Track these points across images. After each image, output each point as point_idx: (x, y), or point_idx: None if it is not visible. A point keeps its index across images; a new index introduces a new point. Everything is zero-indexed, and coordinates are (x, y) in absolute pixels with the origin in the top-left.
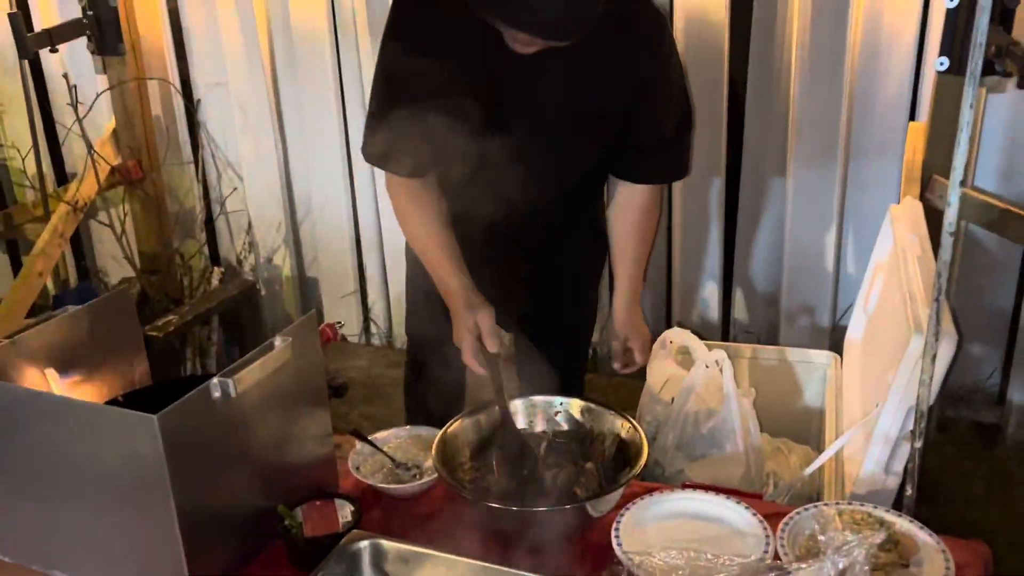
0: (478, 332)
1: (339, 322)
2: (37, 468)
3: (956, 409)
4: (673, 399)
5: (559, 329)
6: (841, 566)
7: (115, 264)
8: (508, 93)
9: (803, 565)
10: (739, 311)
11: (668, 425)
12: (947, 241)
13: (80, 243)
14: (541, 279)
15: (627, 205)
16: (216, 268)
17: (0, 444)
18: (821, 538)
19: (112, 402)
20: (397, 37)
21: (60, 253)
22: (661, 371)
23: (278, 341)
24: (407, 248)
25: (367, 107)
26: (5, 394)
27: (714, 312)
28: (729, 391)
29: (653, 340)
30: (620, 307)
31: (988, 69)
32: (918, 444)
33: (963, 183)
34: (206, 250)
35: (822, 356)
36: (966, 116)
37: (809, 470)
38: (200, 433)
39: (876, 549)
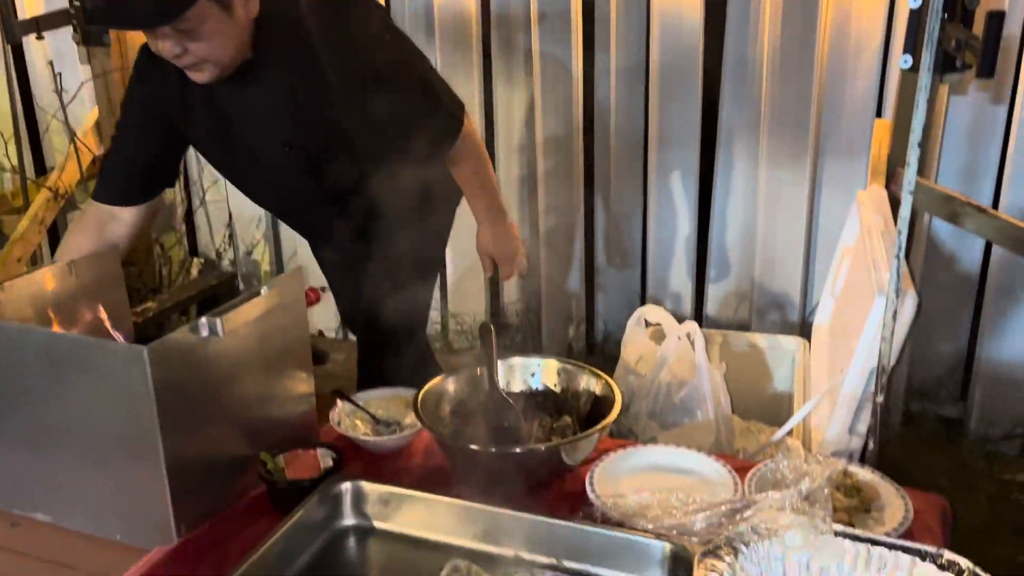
0: None
1: (323, 287)
2: (25, 408)
3: (921, 404)
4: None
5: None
6: (804, 490)
7: None
8: (234, 132)
9: (767, 494)
10: (711, 306)
11: (642, 396)
12: (907, 199)
13: (59, 235)
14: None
15: (451, 166)
16: (195, 259)
17: None
18: (784, 466)
19: None
20: (129, 88)
21: (39, 241)
22: (636, 346)
23: (265, 289)
24: None
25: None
26: None
27: (687, 306)
28: (700, 362)
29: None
30: (481, 232)
31: (949, 66)
32: (880, 399)
33: (924, 178)
34: (186, 242)
35: (791, 341)
36: (921, 102)
37: (777, 435)
38: (188, 371)
39: (841, 493)
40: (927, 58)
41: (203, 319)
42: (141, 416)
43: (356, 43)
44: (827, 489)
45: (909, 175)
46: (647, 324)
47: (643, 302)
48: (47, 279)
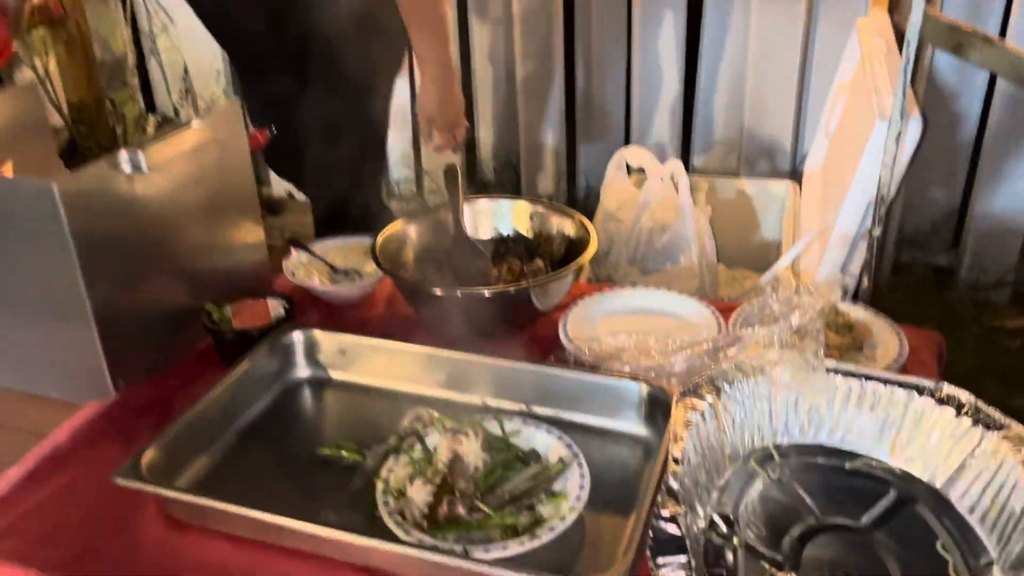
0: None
1: (271, 126)
2: None
3: (911, 253)
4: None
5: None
6: (795, 323)
7: None
8: None
9: (754, 329)
10: (698, 156)
11: (622, 242)
12: (918, 4)
13: None
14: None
15: None
16: (152, 116)
17: None
18: (772, 300)
19: None
20: None
21: None
22: (616, 192)
23: (195, 122)
24: None
25: None
26: None
27: (672, 147)
28: (684, 203)
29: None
30: (425, 89)
31: None
32: (877, 232)
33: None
34: (140, 97)
35: (780, 186)
36: None
37: (765, 278)
38: (109, 210)
39: (832, 331)
40: None
41: (123, 151)
42: (60, 263)
43: None
44: (820, 322)
45: None
46: (629, 169)
47: (627, 139)
48: None
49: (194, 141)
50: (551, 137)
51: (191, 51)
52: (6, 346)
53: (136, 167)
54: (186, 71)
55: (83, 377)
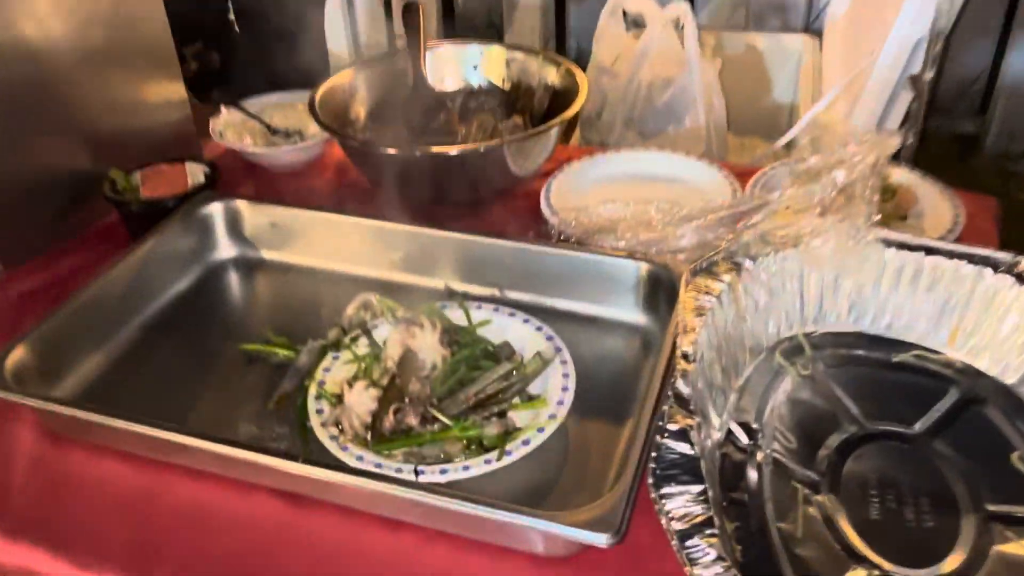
0: None
1: None
2: None
3: (934, 120)
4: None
5: None
6: (840, 182)
7: None
8: None
9: (784, 191)
10: (702, 13)
11: (617, 99)
12: None
13: None
14: None
15: None
16: None
17: None
18: (811, 158)
19: None
20: None
21: None
22: (611, 41)
23: None
24: None
25: None
26: None
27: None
28: (691, 52)
29: None
30: None
31: None
32: (929, 76)
33: None
34: None
35: (796, 40)
36: None
37: (782, 140)
38: None
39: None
40: None
41: None
42: None
43: None
44: (874, 180)
45: None
46: (625, 15)
47: None
48: None
49: None
50: None
51: None
52: None
53: None
54: None
55: None
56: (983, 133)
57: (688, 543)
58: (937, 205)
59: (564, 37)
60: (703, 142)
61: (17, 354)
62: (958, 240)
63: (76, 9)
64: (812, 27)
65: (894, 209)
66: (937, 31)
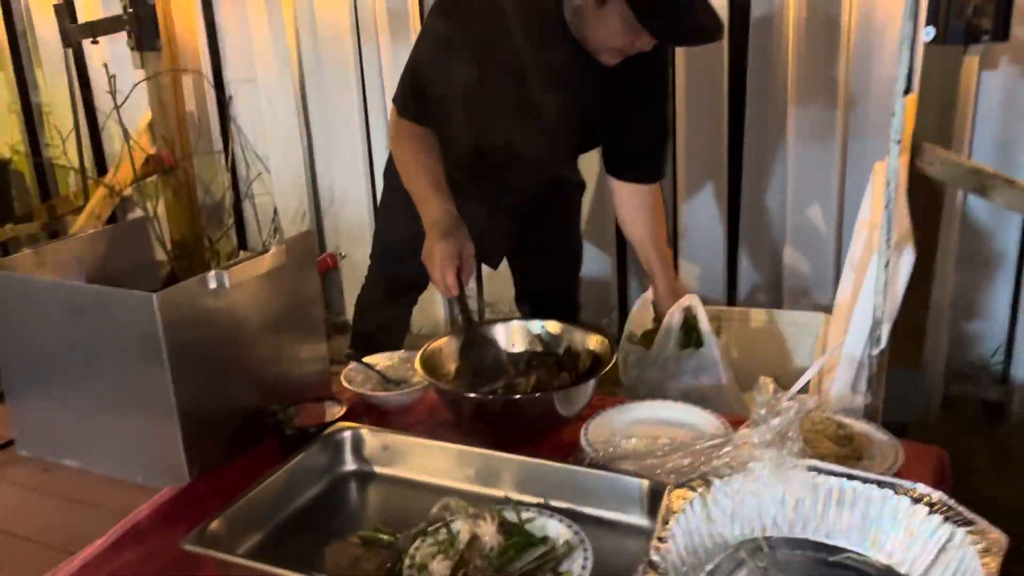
0: (458, 259)
1: (341, 252)
2: (53, 362)
3: (961, 386)
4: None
5: (548, 258)
6: (776, 425)
7: None
8: (526, 77)
9: (741, 431)
10: (743, 286)
11: (647, 365)
12: (894, 149)
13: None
14: (526, 220)
15: (631, 204)
16: (243, 252)
17: (13, 335)
18: (759, 402)
19: None
20: (444, 12)
21: None
22: (640, 324)
23: (273, 247)
24: (384, 172)
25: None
26: (11, 284)
27: (718, 287)
28: (705, 332)
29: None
30: (661, 297)
31: (974, 36)
32: (874, 352)
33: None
34: (233, 235)
35: (814, 318)
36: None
37: (787, 395)
38: (197, 321)
39: (833, 442)
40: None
41: (212, 271)
42: (154, 364)
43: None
44: (798, 423)
45: (895, 125)
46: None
47: None
48: (80, 246)
49: (270, 265)
50: (603, 271)
51: (281, 195)
52: (99, 436)
53: (220, 284)
54: (276, 213)
55: (164, 465)
56: (1008, 400)
57: None
58: (886, 451)
59: (626, 307)
60: (723, 399)
61: (212, 527)
62: (898, 476)
63: (259, 288)
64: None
65: (852, 452)
66: (876, 319)
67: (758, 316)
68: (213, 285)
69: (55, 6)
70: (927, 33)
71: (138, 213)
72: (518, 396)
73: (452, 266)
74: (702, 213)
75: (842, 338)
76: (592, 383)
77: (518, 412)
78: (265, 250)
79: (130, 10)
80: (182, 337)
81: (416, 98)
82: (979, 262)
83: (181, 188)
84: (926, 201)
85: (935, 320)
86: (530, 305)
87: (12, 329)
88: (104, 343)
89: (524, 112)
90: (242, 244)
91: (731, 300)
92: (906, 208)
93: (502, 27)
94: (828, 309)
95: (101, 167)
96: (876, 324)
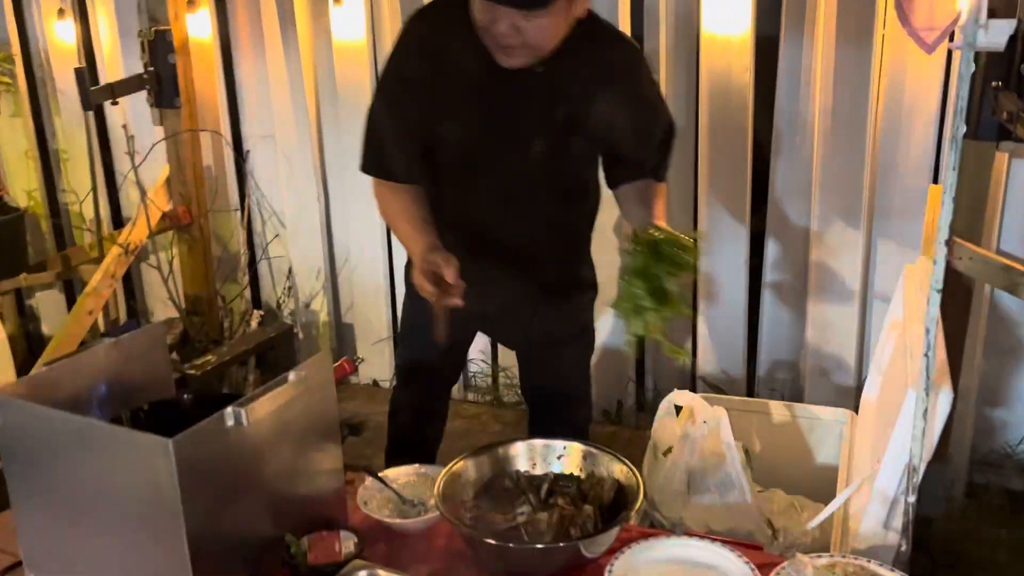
0: (437, 265)
1: (358, 357)
2: (63, 485)
3: (985, 475)
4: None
5: (556, 354)
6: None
7: (162, 305)
8: (495, 111)
9: None
10: (763, 368)
11: (672, 477)
12: (935, 298)
13: (131, 284)
14: (532, 290)
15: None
16: (256, 311)
17: (26, 458)
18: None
19: (135, 412)
20: (400, 55)
21: (111, 293)
22: (665, 432)
23: (291, 376)
24: (405, 271)
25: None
26: (26, 411)
27: (739, 368)
28: (726, 443)
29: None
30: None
31: (1004, 134)
32: (911, 499)
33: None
34: (248, 293)
35: (838, 414)
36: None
37: (813, 523)
38: (213, 459)
39: None
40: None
41: (229, 409)
42: (166, 501)
43: (636, 87)
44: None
45: (937, 272)
46: (677, 411)
47: (695, 363)
48: (95, 358)
49: (288, 394)
50: (620, 341)
51: (297, 254)
52: (107, 563)
53: (239, 422)
54: (291, 271)
55: None
56: None
57: None
58: None
59: (643, 377)
60: (744, 516)
61: None
62: None
63: (277, 418)
64: (863, 384)
65: None
66: (913, 467)
67: (779, 410)
68: (231, 423)
69: (76, 69)
70: (958, 128)
71: (154, 274)
72: (540, 546)
73: (430, 269)
74: (722, 284)
75: (868, 443)
76: (618, 529)
77: (543, 558)
78: (282, 379)
79: (151, 68)
80: (196, 474)
81: (385, 156)
82: (1005, 349)
83: (196, 244)
84: (956, 292)
85: (961, 408)
86: (536, 395)
87: (25, 453)
88: (117, 479)
89: (491, 154)
90: (255, 300)
91: (750, 376)
92: (943, 350)
93: (448, 74)
94: (849, 393)
95: (117, 220)
96: (913, 472)
